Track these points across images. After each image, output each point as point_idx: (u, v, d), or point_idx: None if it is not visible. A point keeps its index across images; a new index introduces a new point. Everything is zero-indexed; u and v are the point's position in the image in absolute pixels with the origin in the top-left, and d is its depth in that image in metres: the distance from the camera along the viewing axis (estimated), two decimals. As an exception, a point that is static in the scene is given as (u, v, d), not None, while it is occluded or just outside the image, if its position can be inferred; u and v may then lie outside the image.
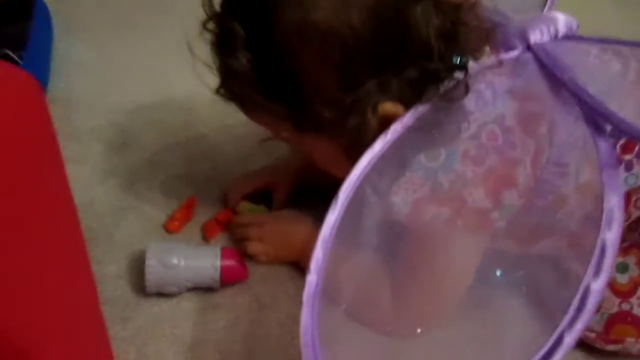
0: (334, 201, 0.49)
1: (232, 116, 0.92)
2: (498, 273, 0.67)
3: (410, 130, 0.53)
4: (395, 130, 0.53)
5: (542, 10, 0.66)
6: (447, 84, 0.54)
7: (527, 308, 0.66)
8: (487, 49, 0.58)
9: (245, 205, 0.75)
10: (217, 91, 0.61)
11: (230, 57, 0.55)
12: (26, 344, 0.44)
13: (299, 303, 0.68)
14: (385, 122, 0.53)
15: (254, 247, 0.70)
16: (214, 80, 0.99)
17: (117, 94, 0.96)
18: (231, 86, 0.57)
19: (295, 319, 0.65)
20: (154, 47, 1.07)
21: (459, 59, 0.55)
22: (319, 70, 0.53)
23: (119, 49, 1.06)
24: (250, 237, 0.71)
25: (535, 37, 0.57)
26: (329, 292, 0.48)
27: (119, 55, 1.05)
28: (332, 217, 0.49)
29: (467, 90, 0.53)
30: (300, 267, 0.70)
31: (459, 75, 0.54)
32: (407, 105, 0.54)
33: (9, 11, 0.93)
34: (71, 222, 0.57)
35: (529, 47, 0.57)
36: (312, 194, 0.76)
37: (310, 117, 0.55)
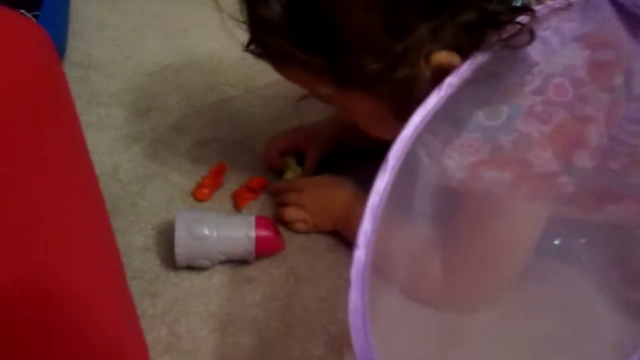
0: (382, 165, 0.43)
1: (259, 76, 0.89)
2: (556, 242, 0.62)
3: (467, 84, 0.47)
4: (450, 84, 0.46)
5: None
6: (508, 30, 0.47)
7: (587, 280, 0.61)
8: None
9: (289, 162, 0.70)
10: (247, 47, 0.56)
11: (262, 5, 0.49)
12: (49, 321, 0.40)
13: (339, 276, 0.64)
14: (439, 74, 0.47)
15: (291, 213, 0.65)
16: (240, 36, 0.95)
17: (137, 55, 0.91)
18: (263, 39, 0.51)
19: (337, 293, 0.62)
20: (174, 5, 1.02)
21: (520, 1, 0.49)
22: (364, 14, 0.47)
23: (137, 7, 1.01)
24: (287, 203, 0.66)
25: None
26: (379, 269, 0.43)
27: (138, 13, 1.00)
28: (382, 183, 0.43)
29: (532, 36, 0.47)
30: (340, 237, 0.65)
31: (522, 19, 0.47)
32: (463, 55, 0.47)
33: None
34: (91, 189, 0.53)
35: None
36: (347, 159, 0.72)
37: (353, 70, 0.49)
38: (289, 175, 0.70)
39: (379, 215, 0.42)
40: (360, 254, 0.41)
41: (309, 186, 0.66)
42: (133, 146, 0.76)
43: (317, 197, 0.64)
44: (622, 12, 0.49)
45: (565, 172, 0.51)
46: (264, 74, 0.87)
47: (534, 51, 0.49)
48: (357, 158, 0.71)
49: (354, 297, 0.39)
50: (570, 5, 0.49)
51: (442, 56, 0.47)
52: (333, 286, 0.62)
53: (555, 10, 0.49)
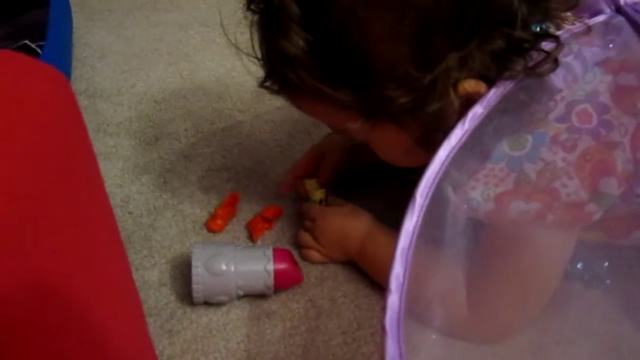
0: (410, 205, 0.42)
1: (267, 101, 0.87)
2: (579, 265, 0.61)
3: (490, 115, 0.46)
4: (474, 116, 0.45)
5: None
6: (533, 57, 0.46)
7: (612, 304, 0.60)
8: (569, 14, 0.50)
9: (308, 185, 0.69)
10: (263, 83, 0.54)
11: (283, 40, 0.47)
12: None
13: (359, 308, 0.62)
14: (466, 103, 0.46)
15: (303, 239, 0.64)
16: (246, 61, 0.94)
17: (143, 82, 0.90)
18: (285, 73, 0.49)
19: (359, 325, 0.60)
20: (177, 29, 1.01)
21: (539, 27, 0.48)
22: (392, 45, 0.46)
23: (140, 32, 1.00)
24: (306, 229, 0.65)
25: None
26: (413, 312, 0.41)
27: (141, 38, 0.99)
28: (410, 223, 0.41)
29: (556, 63, 0.46)
30: (358, 266, 0.63)
31: (546, 45, 0.46)
32: (490, 83, 0.46)
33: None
34: (109, 224, 0.51)
35: (618, 10, 0.49)
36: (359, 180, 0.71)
37: (381, 104, 0.48)
38: (316, 196, 0.68)
39: (410, 258, 0.40)
40: (393, 299, 0.39)
41: (321, 218, 0.64)
42: (143, 176, 0.75)
43: (329, 231, 0.63)
44: None
45: (592, 200, 0.49)
46: (272, 98, 0.86)
47: (557, 78, 0.48)
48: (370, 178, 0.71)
49: (391, 346, 0.37)
50: (589, 29, 0.49)
51: (470, 85, 0.46)
52: (354, 317, 0.60)
53: (575, 35, 0.48)
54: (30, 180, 0.36)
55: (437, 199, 0.43)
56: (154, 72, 0.92)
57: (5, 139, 0.33)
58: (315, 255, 0.64)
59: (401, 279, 0.39)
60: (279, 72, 0.50)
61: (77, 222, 0.41)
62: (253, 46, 0.53)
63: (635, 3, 0.50)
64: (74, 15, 0.97)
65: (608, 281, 0.61)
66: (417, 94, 0.46)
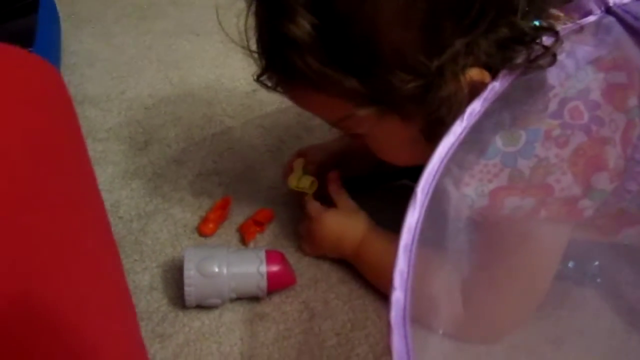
0: (411, 201, 0.41)
1: (257, 107, 0.88)
2: (570, 264, 0.61)
3: (489, 111, 0.46)
4: (473, 111, 0.45)
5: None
6: (534, 50, 0.47)
7: (604, 302, 0.60)
8: (561, 14, 0.51)
9: (295, 166, 0.67)
10: (259, 77, 0.53)
11: (289, 24, 0.46)
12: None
13: (353, 309, 0.62)
14: (472, 92, 0.46)
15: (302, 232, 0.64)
16: (233, 66, 0.94)
17: (132, 88, 0.90)
18: (290, 59, 0.47)
19: (353, 327, 0.60)
20: (166, 36, 1.01)
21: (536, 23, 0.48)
22: (401, 30, 0.45)
23: (130, 39, 1.00)
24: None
25: None
26: (417, 312, 0.40)
27: (131, 45, 0.99)
28: (412, 219, 0.40)
29: (554, 57, 0.46)
30: (352, 267, 0.63)
31: (546, 39, 0.47)
32: (493, 74, 0.47)
33: (12, 5, 0.86)
34: (104, 227, 0.51)
35: (608, 10, 0.50)
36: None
37: (387, 90, 0.47)
38: (293, 180, 0.67)
39: (413, 254, 0.40)
40: (398, 295, 0.38)
41: (318, 218, 0.63)
42: (133, 182, 0.75)
43: (325, 232, 0.62)
44: (634, 33, 0.49)
45: (586, 195, 0.50)
46: (262, 104, 0.87)
47: (550, 75, 0.48)
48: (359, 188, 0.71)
49: (397, 342, 0.36)
50: (582, 28, 0.49)
51: (475, 73, 0.46)
52: (348, 319, 0.60)
53: (568, 34, 0.49)
54: (25, 178, 0.35)
55: (438, 196, 0.43)
56: (144, 78, 0.91)
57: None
58: (309, 250, 0.64)
59: (405, 275, 0.39)
60: (283, 60, 0.48)
61: (71, 221, 0.41)
62: (247, 41, 0.52)
63: (625, 4, 0.51)
64: (62, 23, 0.97)
65: (599, 280, 0.61)
66: (425, 80, 0.46)
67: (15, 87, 0.34)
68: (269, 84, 0.54)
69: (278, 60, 0.50)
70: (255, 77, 0.54)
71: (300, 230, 0.65)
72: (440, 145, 0.43)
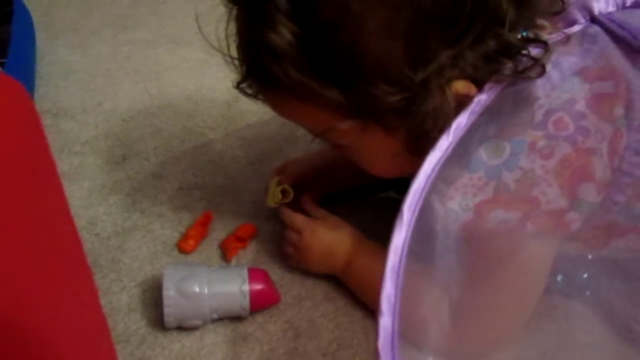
0: (397, 220, 0.40)
1: (238, 118, 0.86)
2: (559, 278, 0.60)
3: (475, 125, 0.45)
4: (459, 125, 0.44)
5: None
6: (522, 62, 0.46)
7: (594, 315, 0.59)
8: (546, 23, 0.50)
9: (270, 183, 0.66)
10: (239, 84, 0.52)
11: (269, 32, 0.45)
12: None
13: (339, 327, 0.60)
14: (458, 105, 0.45)
15: (288, 251, 0.62)
16: (213, 77, 0.92)
17: (110, 100, 0.87)
18: (270, 69, 0.46)
19: (339, 346, 0.58)
20: (145, 46, 0.99)
21: (522, 34, 0.47)
22: (385, 41, 0.44)
23: (106, 51, 0.98)
24: (288, 239, 0.62)
25: (599, 6, 0.49)
26: (406, 335, 0.39)
27: (107, 57, 0.96)
28: (399, 239, 0.39)
29: (543, 68, 0.45)
30: (337, 283, 0.61)
31: (535, 51, 0.46)
32: (479, 86, 0.45)
33: (-16, 14, 0.84)
34: (74, 247, 0.48)
35: (593, 19, 0.49)
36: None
37: (370, 102, 0.46)
38: (269, 199, 0.65)
39: (400, 276, 0.38)
40: (386, 321, 0.37)
41: (309, 232, 0.61)
42: (110, 197, 0.72)
43: (315, 246, 0.60)
44: (619, 42, 0.48)
45: (573, 207, 0.49)
46: (243, 115, 0.85)
47: (535, 87, 0.47)
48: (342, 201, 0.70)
49: None
50: (569, 38, 0.48)
51: (461, 86, 0.45)
52: (334, 338, 0.58)
53: (555, 44, 0.48)
54: None
55: (426, 213, 0.42)
56: (121, 90, 0.89)
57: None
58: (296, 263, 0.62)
59: (392, 300, 0.38)
60: (263, 69, 0.47)
61: (37, 245, 0.39)
62: (228, 46, 0.51)
63: (610, 13, 0.50)
64: (37, 33, 0.94)
65: (588, 292, 0.60)
66: (409, 92, 0.45)
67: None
68: (249, 92, 0.52)
69: (258, 68, 0.49)
70: (235, 84, 0.52)
71: (285, 243, 0.63)
72: (426, 161, 0.42)
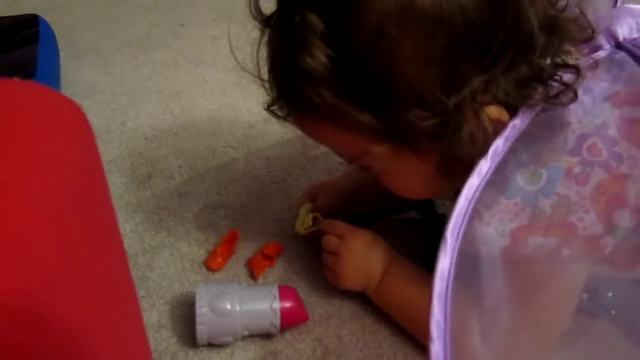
0: (442, 246, 0.40)
1: (260, 138, 0.87)
2: (584, 297, 0.60)
3: (511, 150, 0.46)
4: (497, 150, 0.44)
5: (615, 5, 0.60)
6: (554, 88, 0.47)
7: (620, 334, 0.59)
8: (573, 49, 0.51)
9: (301, 211, 0.67)
10: (270, 107, 0.53)
11: (305, 56, 0.45)
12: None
13: (367, 345, 0.61)
14: (493, 131, 0.46)
15: (328, 260, 0.62)
16: (235, 97, 0.93)
17: (133, 120, 0.89)
18: (304, 92, 0.47)
19: (369, 364, 0.59)
20: (166, 67, 1.00)
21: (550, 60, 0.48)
22: (420, 66, 0.45)
23: (129, 70, 0.99)
24: (328, 247, 0.62)
25: (623, 32, 0.50)
26: None
27: (130, 77, 0.98)
28: (445, 265, 0.39)
29: (576, 94, 0.46)
30: (363, 302, 0.62)
31: (567, 77, 0.47)
32: (511, 112, 0.46)
33: (13, 36, 0.85)
34: (123, 261, 0.49)
35: (618, 45, 0.50)
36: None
37: (403, 127, 0.46)
38: (300, 227, 0.66)
39: (449, 303, 0.38)
40: (437, 348, 0.36)
41: (350, 237, 0.61)
42: (136, 215, 0.73)
43: (355, 253, 0.60)
44: None
45: (608, 233, 0.49)
46: (265, 135, 0.86)
47: (568, 113, 0.48)
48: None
49: None
50: (597, 64, 0.49)
51: (493, 112, 0.46)
52: (363, 356, 0.59)
53: (584, 70, 0.49)
54: (57, 232, 0.34)
55: (470, 239, 0.41)
56: (145, 110, 0.90)
57: (30, 178, 0.32)
58: (331, 276, 0.62)
59: (443, 326, 0.37)
60: (296, 92, 0.48)
61: (98, 269, 0.39)
62: (259, 67, 0.52)
63: (635, 39, 0.51)
64: (61, 54, 0.96)
65: (613, 312, 0.60)
66: (442, 118, 0.45)
67: (45, 125, 0.33)
68: (280, 114, 0.53)
69: (291, 92, 0.50)
70: (266, 106, 0.53)
71: (325, 267, 0.63)
72: (466, 186, 0.42)
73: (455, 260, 0.39)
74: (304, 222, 0.66)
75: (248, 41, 0.53)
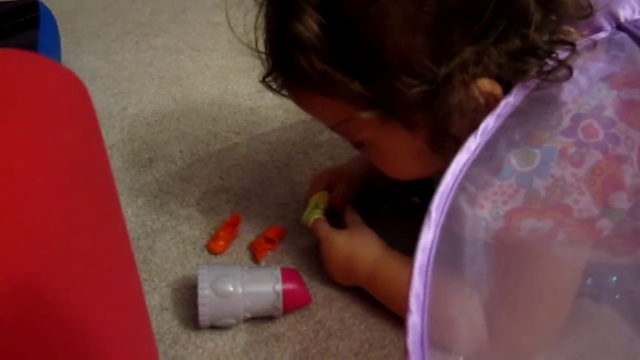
0: (425, 220, 0.39)
1: (262, 123, 0.87)
2: (589, 281, 0.60)
3: (503, 127, 0.45)
4: (486, 127, 0.44)
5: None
6: (548, 64, 0.46)
7: (623, 318, 0.59)
8: (572, 30, 0.50)
9: (312, 201, 0.66)
10: (264, 78, 0.53)
11: (296, 23, 0.45)
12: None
13: (370, 328, 0.60)
14: (484, 104, 0.45)
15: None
16: (236, 82, 0.93)
17: (134, 105, 0.88)
18: (296, 59, 0.47)
19: (370, 346, 0.58)
20: (167, 53, 1.00)
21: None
22: (409, 34, 0.44)
23: (130, 56, 0.99)
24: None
25: (625, 13, 0.49)
26: (435, 337, 0.38)
27: (131, 62, 0.97)
28: (427, 238, 0.38)
29: (570, 71, 0.46)
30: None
31: (561, 53, 0.46)
32: (504, 86, 0.46)
33: (13, 21, 0.85)
34: (126, 244, 0.49)
35: (619, 27, 0.50)
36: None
37: (392, 96, 0.46)
38: (306, 217, 0.66)
39: (430, 275, 0.38)
40: (415, 319, 0.36)
41: (326, 243, 0.61)
42: (138, 199, 0.73)
43: (334, 258, 0.61)
44: None
45: (604, 215, 0.48)
46: (267, 120, 0.86)
47: (563, 92, 0.48)
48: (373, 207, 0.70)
49: None
50: (595, 44, 0.49)
51: (484, 84, 0.46)
52: (366, 339, 0.58)
53: (581, 50, 0.48)
54: (64, 193, 0.33)
55: (454, 214, 0.41)
56: (146, 95, 0.90)
57: (30, 147, 0.31)
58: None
59: (422, 298, 0.37)
60: (288, 60, 0.48)
61: (98, 239, 0.39)
62: (256, 41, 0.52)
63: (636, 20, 0.50)
64: (62, 39, 0.95)
65: (617, 296, 0.60)
66: (431, 86, 0.45)
67: (46, 97, 0.33)
68: (274, 86, 0.53)
69: (284, 60, 0.50)
70: (260, 78, 0.53)
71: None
72: (453, 162, 0.41)
73: (438, 235, 0.38)
74: (310, 215, 0.65)
75: (246, 21, 0.53)
